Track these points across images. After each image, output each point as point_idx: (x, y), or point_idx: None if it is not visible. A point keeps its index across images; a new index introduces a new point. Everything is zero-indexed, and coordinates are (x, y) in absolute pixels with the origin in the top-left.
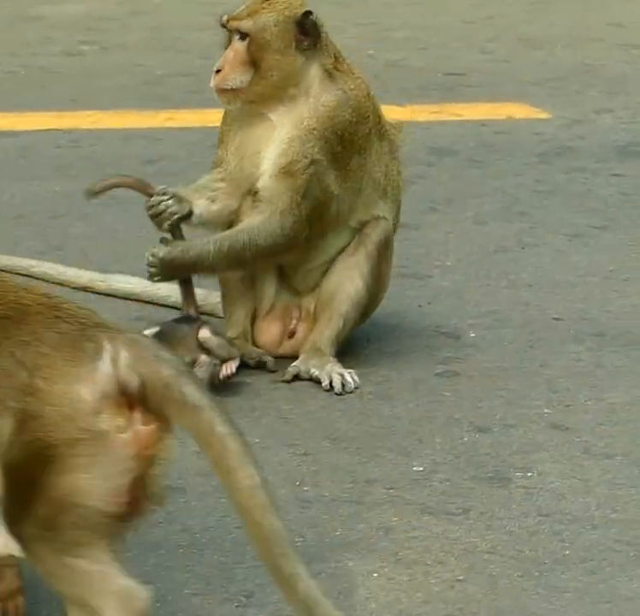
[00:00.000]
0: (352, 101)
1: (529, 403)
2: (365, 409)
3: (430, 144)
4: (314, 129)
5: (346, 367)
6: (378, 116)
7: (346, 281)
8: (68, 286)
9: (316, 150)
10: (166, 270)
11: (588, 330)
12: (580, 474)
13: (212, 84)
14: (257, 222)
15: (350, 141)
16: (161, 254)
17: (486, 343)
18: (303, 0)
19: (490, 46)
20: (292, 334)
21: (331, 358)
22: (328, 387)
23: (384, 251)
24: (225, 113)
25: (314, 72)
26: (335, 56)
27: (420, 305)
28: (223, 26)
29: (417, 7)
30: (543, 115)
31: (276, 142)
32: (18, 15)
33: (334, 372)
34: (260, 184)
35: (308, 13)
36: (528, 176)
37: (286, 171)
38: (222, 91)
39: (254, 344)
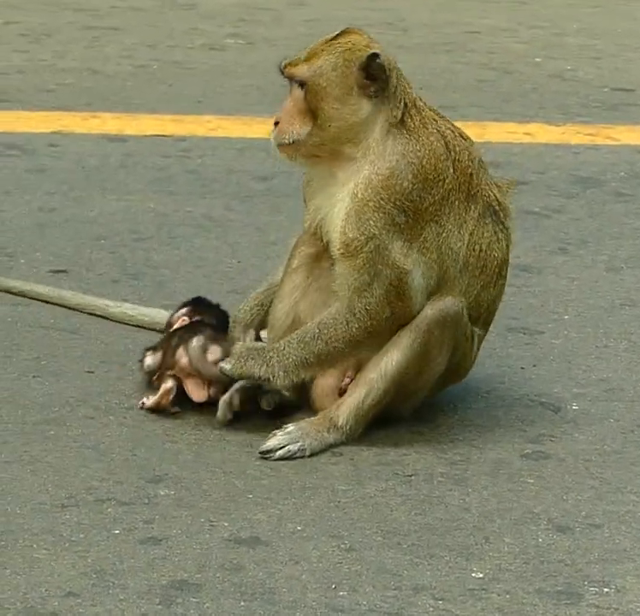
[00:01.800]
0: (414, 165)
1: (623, 498)
2: (432, 496)
3: (576, 171)
4: (369, 201)
5: (422, 440)
6: (467, 175)
7: (385, 350)
8: (149, 328)
9: (372, 223)
10: (240, 372)
11: None
12: None
13: (271, 138)
14: (326, 315)
15: (415, 210)
16: (228, 368)
17: (588, 418)
18: (369, 41)
19: None
20: (342, 393)
21: (333, 429)
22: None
23: (438, 330)
24: (306, 171)
25: (378, 126)
26: (407, 106)
27: (522, 368)
28: (281, 72)
29: (600, 10)
30: None
31: (339, 213)
32: (169, 3)
33: (306, 443)
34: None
35: (374, 55)
36: None
37: (345, 251)
38: (281, 146)
39: (308, 396)
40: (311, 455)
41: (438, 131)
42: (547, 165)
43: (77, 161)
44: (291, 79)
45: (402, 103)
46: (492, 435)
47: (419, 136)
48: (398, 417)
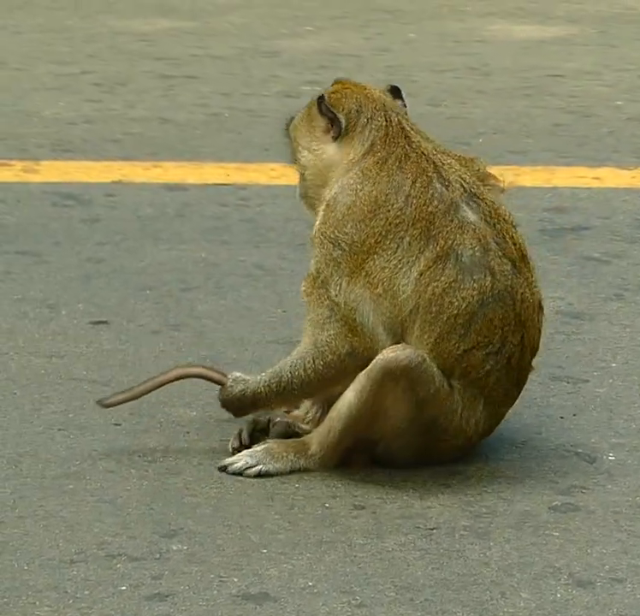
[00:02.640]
0: (350, 197)
1: None
2: (452, 549)
3: None
4: (314, 238)
5: (448, 493)
6: (425, 214)
7: (346, 391)
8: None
9: (317, 259)
10: (232, 410)
11: None
12: None
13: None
14: (294, 354)
15: (351, 243)
16: (220, 396)
17: (624, 469)
18: (344, 87)
19: None
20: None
21: (304, 456)
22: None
23: (389, 381)
24: None
25: (342, 167)
26: (374, 144)
27: (562, 417)
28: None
29: None
30: None
31: None
32: (251, 50)
33: (271, 465)
34: None
35: (320, 98)
36: None
37: (304, 287)
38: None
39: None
40: (277, 475)
41: (399, 168)
42: (613, 209)
43: (133, 211)
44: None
45: (368, 143)
46: (522, 487)
47: (370, 171)
48: (423, 467)
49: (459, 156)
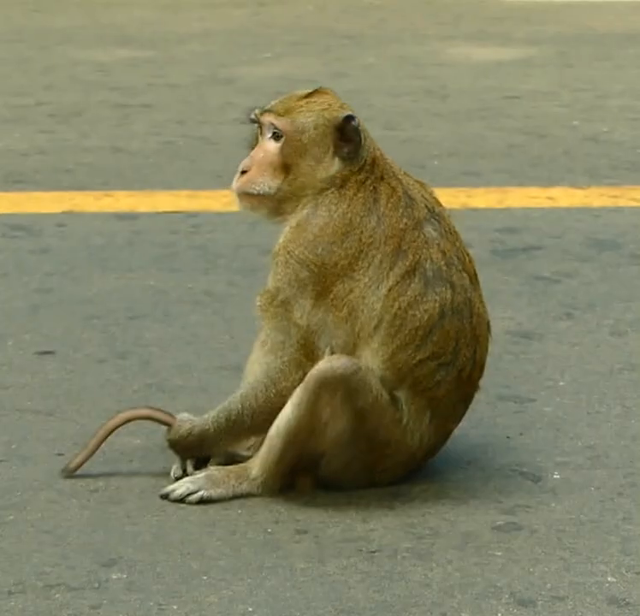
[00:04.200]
0: (323, 218)
1: (592, 568)
2: (394, 572)
3: (594, 234)
4: (278, 255)
5: (391, 515)
6: (397, 230)
7: (284, 407)
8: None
9: (279, 278)
10: (178, 451)
11: None
12: None
13: (235, 186)
14: (246, 385)
15: (321, 265)
16: (167, 437)
17: (568, 487)
18: (342, 103)
19: None
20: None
21: (246, 481)
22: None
23: (325, 390)
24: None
25: (315, 187)
26: (364, 165)
27: (508, 437)
28: (254, 121)
29: None
30: None
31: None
32: (209, 77)
33: (212, 491)
34: None
35: (349, 118)
36: None
37: (260, 304)
38: (245, 195)
39: None
40: (219, 501)
41: (374, 189)
42: (565, 229)
43: (83, 240)
44: (271, 128)
45: (363, 162)
46: (466, 508)
47: (348, 191)
48: (367, 489)
49: (415, 179)
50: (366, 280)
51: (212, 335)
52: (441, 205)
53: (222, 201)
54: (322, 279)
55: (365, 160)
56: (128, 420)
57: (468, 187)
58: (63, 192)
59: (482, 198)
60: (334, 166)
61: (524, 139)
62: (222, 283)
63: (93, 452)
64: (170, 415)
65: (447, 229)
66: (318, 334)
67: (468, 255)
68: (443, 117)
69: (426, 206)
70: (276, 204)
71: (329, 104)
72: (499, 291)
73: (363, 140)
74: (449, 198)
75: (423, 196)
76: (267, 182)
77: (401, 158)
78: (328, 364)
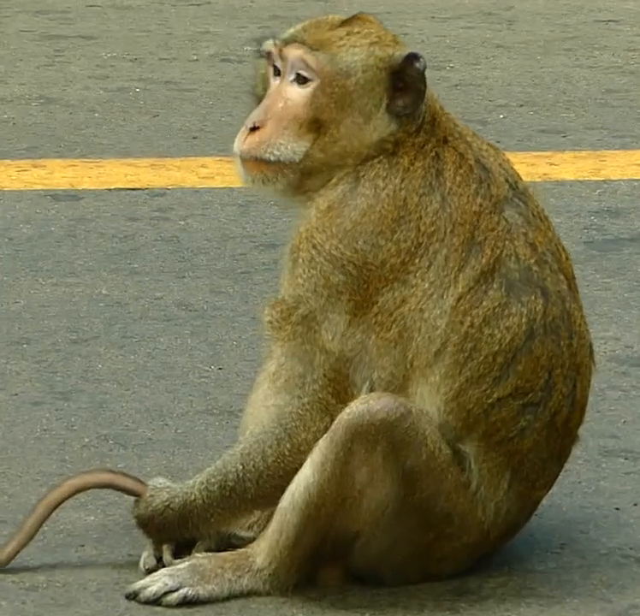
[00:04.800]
0: (367, 197)
1: None
2: None
3: None
4: (301, 250)
5: None
6: (468, 215)
7: (302, 468)
8: None
9: (300, 282)
10: (150, 531)
11: None
12: None
13: (240, 148)
14: (248, 438)
15: (362, 265)
16: (135, 511)
17: None
18: (393, 35)
19: None
20: None
21: (248, 572)
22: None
23: (360, 444)
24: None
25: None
26: (425, 124)
27: (617, 509)
28: (266, 55)
29: None
30: None
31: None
32: None
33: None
34: None
35: (413, 57)
36: None
37: (271, 319)
38: (257, 162)
39: None
40: (210, 601)
41: (436, 156)
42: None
43: (2, 231)
44: (291, 65)
45: (422, 120)
46: (560, 610)
47: (400, 159)
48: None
49: (487, 142)
50: (426, 285)
51: (192, 366)
52: (522, 180)
53: (200, 173)
54: (364, 285)
55: (424, 117)
56: (79, 490)
57: (549, 151)
58: None
59: (571, 167)
60: (387, 125)
61: (625, 82)
62: (204, 291)
63: (31, 536)
64: (139, 481)
65: (535, 214)
66: (354, 363)
67: (564, 250)
68: (509, 50)
69: (507, 180)
70: (300, 177)
71: (379, 37)
72: (597, 300)
73: (426, 94)
74: (523, 167)
75: (500, 166)
76: (290, 145)
77: (452, 110)
78: (363, 405)
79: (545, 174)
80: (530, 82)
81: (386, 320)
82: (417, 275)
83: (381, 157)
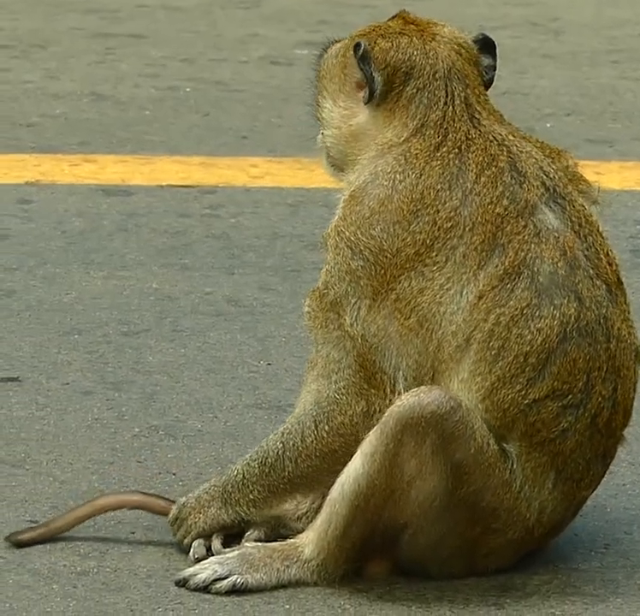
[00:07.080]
0: (385, 189)
1: None
2: None
3: None
4: (329, 238)
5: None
6: (490, 215)
7: (352, 459)
8: None
9: (327, 269)
10: (182, 525)
11: None
12: None
13: None
14: (290, 420)
15: (379, 251)
16: (182, 501)
17: None
18: (389, 26)
19: None
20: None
21: (296, 563)
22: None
23: (410, 436)
24: None
25: (374, 145)
26: (425, 126)
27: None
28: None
29: None
30: None
31: None
32: None
33: (248, 577)
34: None
35: (357, 45)
36: None
37: (308, 310)
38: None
39: None
40: (259, 590)
41: (459, 157)
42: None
43: (55, 223)
44: None
45: (416, 122)
46: (603, 609)
47: (417, 158)
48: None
49: (544, 143)
50: (442, 280)
51: (241, 361)
52: (578, 188)
53: (250, 173)
54: (380, 271)
55: (424, 120)
56: (110, 509)
57: (596, 161)
58: (25, 155)
59: (617, 177)
60: (356, 115)
61: None
62: (253, 287)
63: (52, 535)
64: (169, 501)
65: (576, 218)
66: (380, 349)
67: (609, 255)
68: (556, 61)
69: (545, 184)
70: (333, 167)
71: (373, 30)
72: None
73: (374, 76)
74: None
75: (543, 169)
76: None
77: None
78: (414, 398)
79: (595, 184)
80: (577, 92)
81: (404, 308)
82: (435, 268)
83: (390, 157)
